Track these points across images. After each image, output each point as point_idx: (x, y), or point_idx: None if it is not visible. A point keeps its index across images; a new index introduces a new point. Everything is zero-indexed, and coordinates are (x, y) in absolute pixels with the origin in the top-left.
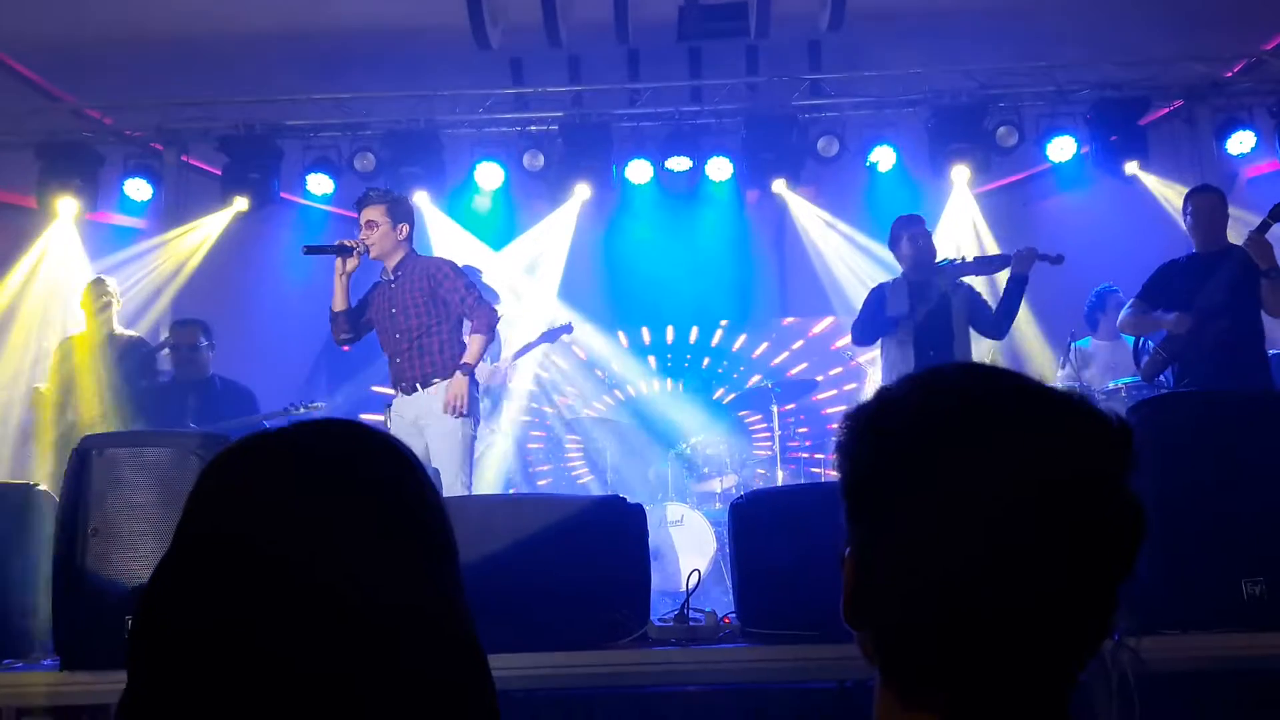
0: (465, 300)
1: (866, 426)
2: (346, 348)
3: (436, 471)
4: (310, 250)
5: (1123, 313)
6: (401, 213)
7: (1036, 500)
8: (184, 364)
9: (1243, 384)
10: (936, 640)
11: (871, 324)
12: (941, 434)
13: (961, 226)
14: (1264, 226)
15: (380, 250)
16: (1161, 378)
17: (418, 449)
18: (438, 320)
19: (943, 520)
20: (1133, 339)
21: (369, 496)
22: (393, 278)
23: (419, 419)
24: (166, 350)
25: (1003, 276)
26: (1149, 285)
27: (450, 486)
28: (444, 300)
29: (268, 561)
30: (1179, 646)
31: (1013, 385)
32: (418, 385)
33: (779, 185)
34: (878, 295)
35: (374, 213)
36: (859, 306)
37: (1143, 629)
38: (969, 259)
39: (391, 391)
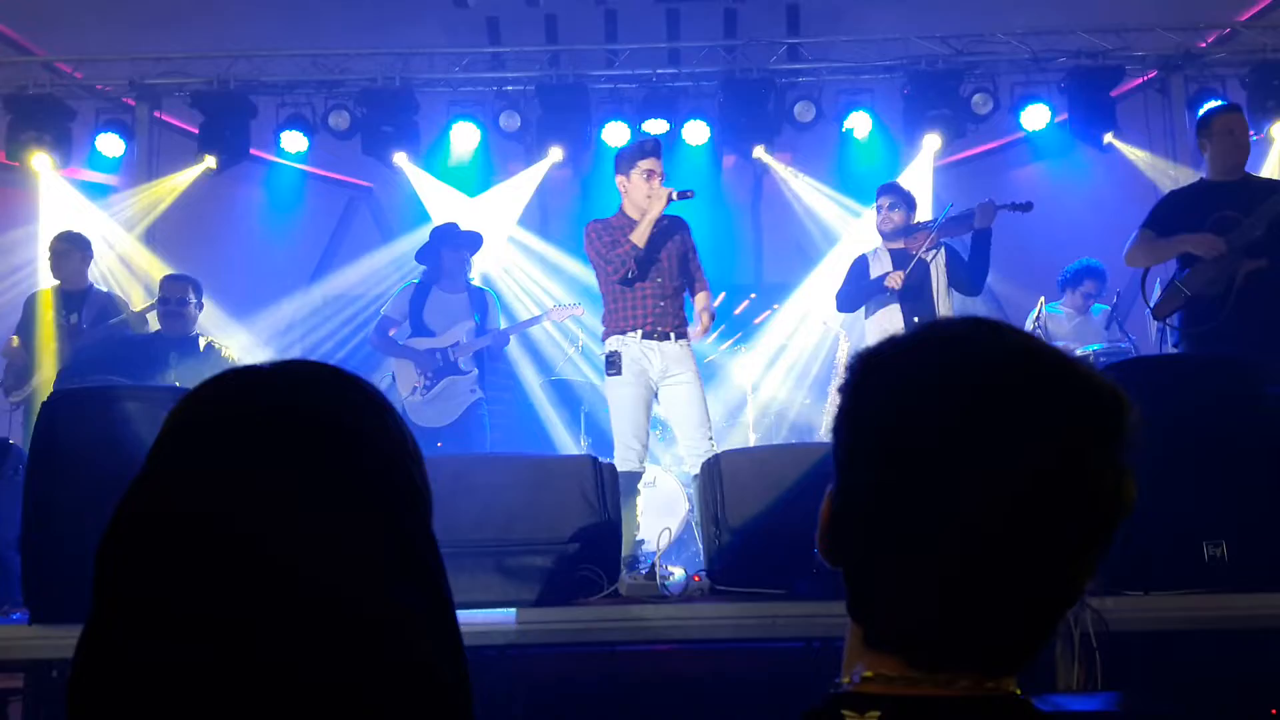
0: (699, 269)
1: (869, 370)
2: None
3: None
4: (682, 195)
5: (1128, 245)
6: None
7: (1017, 464)
8: (170, 318)
9: (1270, 332)
10: (898, 583)
11: (857, 291)
12: (937, 389)
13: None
14: None
15: None
16: (1174, 319)
17: (649, 395)
18: (685, 279)
19: (919, 471)
20: (1108, 302)
21: (339, 452)
22: (657, 226)
23: (669, 370)
24: (153, 306)
25: None
26: (1157, 214)
27: (706, 426)
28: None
29: (226, 531)
30: (1141, 607)
31: (1015, 344)
32: (672, 334)
33: (759, 151)
34: (860, 263)
35: (660, 165)
36: (834, 269)
37: (1105, 589)
38: (941, 221)
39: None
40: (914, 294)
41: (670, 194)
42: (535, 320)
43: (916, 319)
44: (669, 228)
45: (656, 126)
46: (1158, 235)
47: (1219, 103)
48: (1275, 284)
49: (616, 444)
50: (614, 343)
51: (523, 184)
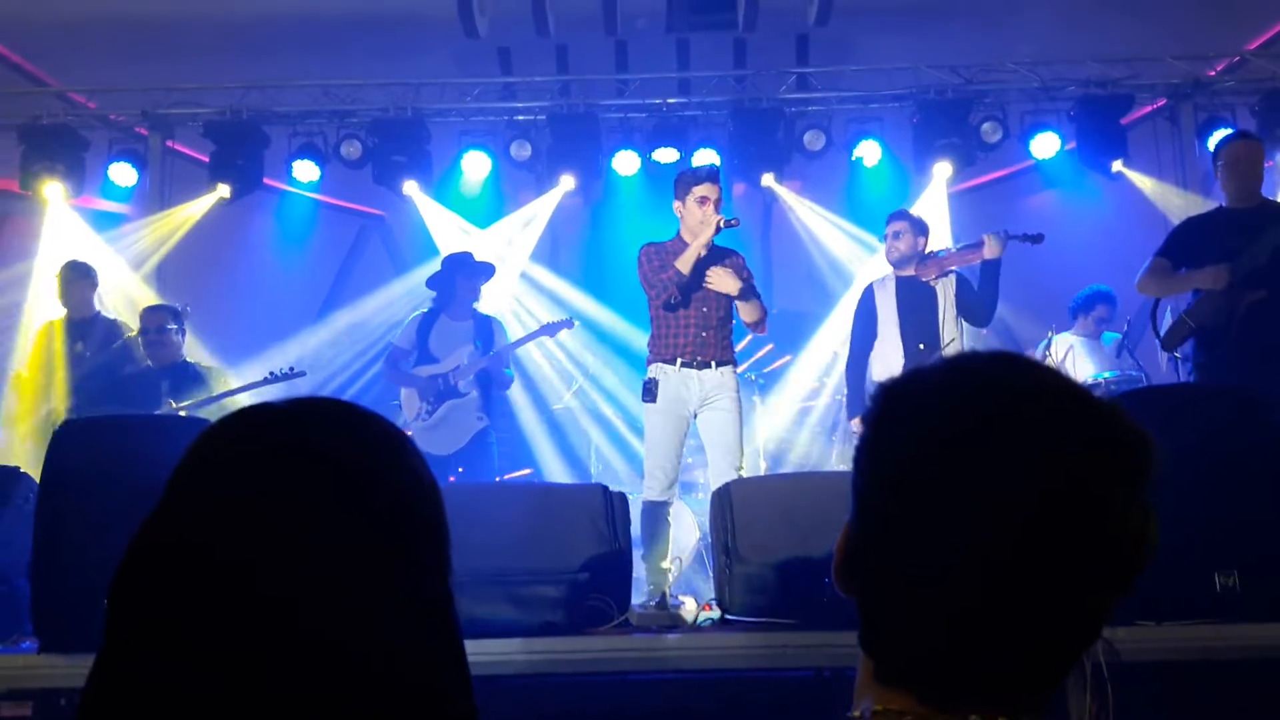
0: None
1: (892, 400)
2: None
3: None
4: (728, 224)
5: (1140, 273)
6: None
7: (1039, 506)
8: (151, 348)
9: (1274, 361)
10: (911, 615)
11: (861, 346)
12: (959, 421)
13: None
14: None
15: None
16: (1183, 350)
17: (683, 426)
18: (732, 308)
19: (936, 502)
20: (1119, 329)
21: (350, 489)
22: (704, 252)
23: (709, 397)
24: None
25: None
26: (1171, 242)
27: (734, 455)
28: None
29: (237, 564)
30: (1153, 637)
31: (1040, 379)
32: (713, 363)
33: (768, 179)
34: (867, 295)
35: (716, 191)
36: (846, 301)
37: (1117, 619)
38: (953, 249)
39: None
40: (919, 325)
41: (719, 221)
42: (530, 337)
43: (922, 346)
44: (721, 258)
45: (666, 155)
46: (1172, 264)
47: (1229, 131)
48: (1277, 312)
49: (645, 472)
50: (654, 370)
51: (535, 216)
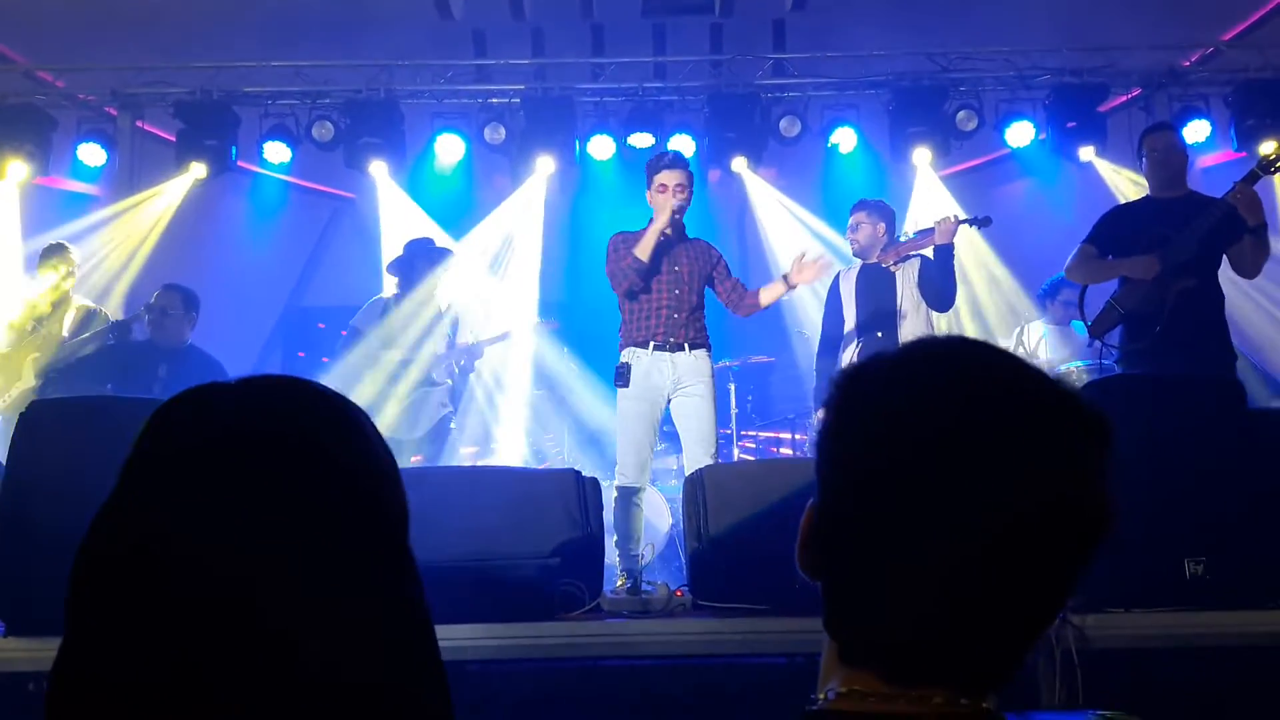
0: (735, 287)
1: (855, 384)
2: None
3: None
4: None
5: (1069, 258)
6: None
7: (998, 480)
8: (154, 327)
9: (1201, 350)
10: (874, 597)
11: (830, 335)
12: (922, 405)
13: (931, 208)
14: (1252, 177)
15: (683, 211)
16: (1110, 336)
17: (655, 411)
18: (705, 293)
19: (899, 486)
20: (1073, 315)
21: (304, 477)
22: (675, 235)
23: (682, 381)
24: (139, 316)
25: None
26: (1099, 229)
27: (710, 442)
28: (710, 280)
29: (187, 566)
30: (1122, 624)
31: (1001, 363)
32: (685, 346)
33: (738, 164)
34: (834, 286)
35: (687, 177)
36: (814, 292)
37: (1087, 606)
38: (910, 235)
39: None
40: (875, 307)
41: (672, 207)
42: (505, 336)
43: (879, 334)
44: (693, 243)
45: (642, 140)
46: (1099, 251)
47: (1203, 121)
48: (1205, 301)
49: (617, 457)
50: (627, 355)
51: (526, 227)
